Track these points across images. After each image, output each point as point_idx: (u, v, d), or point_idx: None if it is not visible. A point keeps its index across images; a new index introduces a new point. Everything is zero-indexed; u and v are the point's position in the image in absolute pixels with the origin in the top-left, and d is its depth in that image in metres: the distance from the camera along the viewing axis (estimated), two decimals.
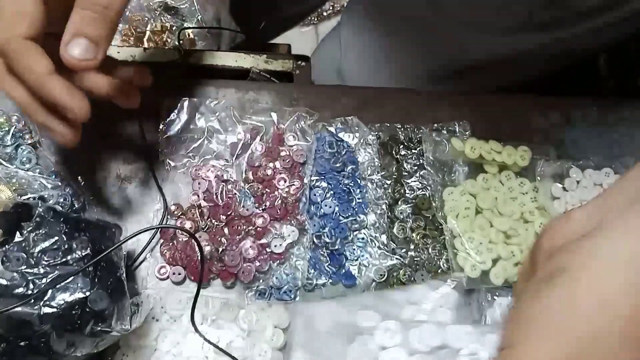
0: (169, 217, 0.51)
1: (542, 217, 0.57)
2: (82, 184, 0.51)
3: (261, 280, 0.51)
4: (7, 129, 0.51)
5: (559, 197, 0.59)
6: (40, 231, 0.41)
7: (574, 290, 0.30)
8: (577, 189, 0.59)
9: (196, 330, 0.45)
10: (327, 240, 0.53)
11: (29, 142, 0.51)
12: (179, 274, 0.50)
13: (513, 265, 0.53)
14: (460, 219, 0.54)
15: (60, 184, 0.49)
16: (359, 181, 0.55)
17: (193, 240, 0.49)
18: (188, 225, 0.51)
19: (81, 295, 0.39)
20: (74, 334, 0.40)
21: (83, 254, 0.41)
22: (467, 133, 0.59)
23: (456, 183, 0.57)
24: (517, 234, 0.55)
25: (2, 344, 0.41)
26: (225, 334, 0.48)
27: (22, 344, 0.40)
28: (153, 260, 0.51)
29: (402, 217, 0.55)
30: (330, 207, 0.54)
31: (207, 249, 0.50)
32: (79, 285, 0.40)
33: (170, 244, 0.51)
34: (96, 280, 0.40)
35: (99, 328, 0.40)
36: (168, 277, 0.50)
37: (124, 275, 0.43)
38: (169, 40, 0.82)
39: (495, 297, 0.53)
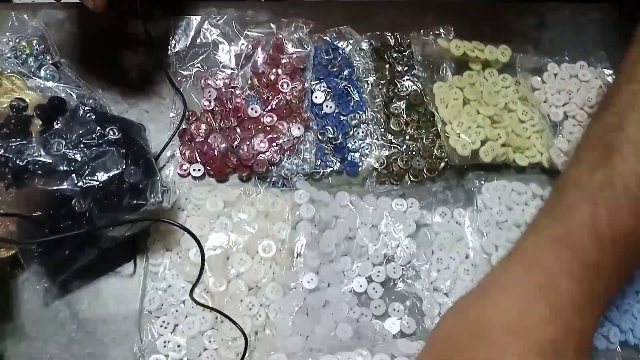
0: (186, 119, 0.56)
1: (525, 106, 0.62)
2: (103, 95, 0.56)
3: (273, 172, 0.56)
4: (28, 51, 0.56)
5: (538, 89, 0.64)
6: (75, 120, 0.46)
7: None
8: (555, 80, 0.65)
9: (196, 302, 0.49)
10: (330, 135, 0.58)
11: (51, 62, 0.56)
12: (199, 170, 0.55)
13: (500, 145, 0.58)
14: (450, 108, 0.59)
15: (84, 93, 0.53)
16: (356, 82, 0.60)
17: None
18: (203, 127, 0.56)
19: (117, 170, 0.44)
20: (113, 210, 0.45)
21: (115, 137, 0.46)
22: (451, 36, 0.63)
23: (444, 79, 0.62)
24: (502, 119, 0.60)
25: (47, 224, 0.46)
26: (246, 216, 0.53)
27: (66, 222, 0.45)
28: (174, 161, 0.55)
29: (397, 112, 0.60)
30: (330, 107, 0.59)
31: (222, 145, 0.55)
32: (114, 162, 0.44)
33: (189, 143, 0.56)
34: (129, 159, 0.45)
35: (135, 201, 0.45)
36: (189, 174, 0.55)
37: (153, 158, 0.48)
38: None
39: (482, 182, 0.59)
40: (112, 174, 0.44)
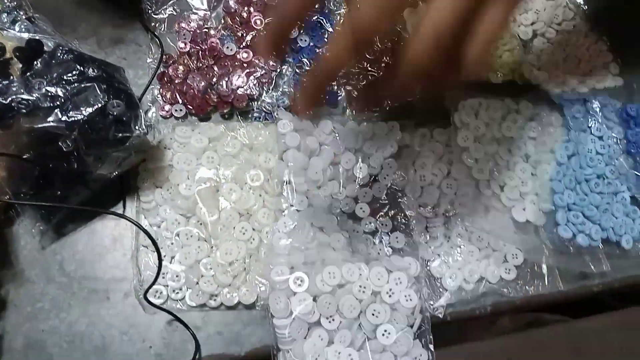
0: (163, 63, 0.57)
1: None
2: (79, 46, 0.56)
3: (254, 107, 0.57)
4: (0, 8, 0.56)
5: None
6: (55, 60, 0.46)
7: None
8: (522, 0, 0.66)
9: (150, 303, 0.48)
10: (307, 68, 0.59)
11: (25, 17, 0.56)
12: (180, 110, 0.56)
13: None
14: None
15: (61, 42, 0.53)
16: (328, 15, 0.61)
17: None
18: (181, 69, 0.57)
19: (100, 104, 0.45)
20: (99, 145, 0.46)
21: (95, 74, 0.46)
22: None
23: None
24: None
25: (37, 166, 0.47)
26: (231, 149, 0.54)
27: (55, 162, 0.46)
28: (156, 104, 0.56)
29: None
30: (305, 40, 0.60)
31: (201, 84, 0.56)
32: (96, 96, 0.45)
33: (168, 85, 0.56)
34: (110, 93, 0.46)
35: (120, 134, 0.46)
36: (172, 115, 0.56)
37: (133, 92, 0.48)
38: None
39: (459, 101, 0.60)
40: (95, 107, 0.45)
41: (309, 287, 0.47)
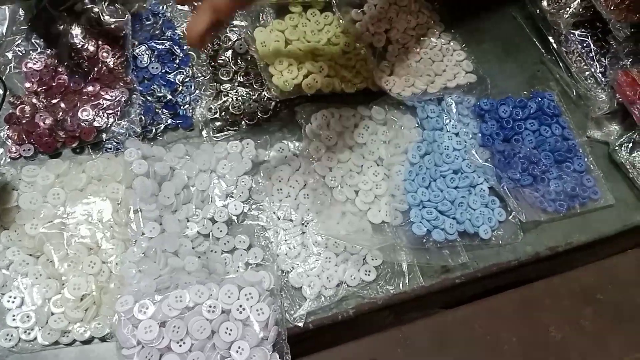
0: (9, 104, 0.57)
1: (347, 38, 0.65)
2: None
3: (104, 139, 0.57)
4: None
5: (360, 20, 0.67)
6: None
7: None
8: (375, 10, 0.68)
9: None
10: (159, 94, 0.60)
11: None
12: (29, 150, 0.56)
13: (323, 77, 0.62)
14: (271, 50, 0.62)
15: None
16: (178, 41, 0.62)
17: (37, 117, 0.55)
18: (28, 108, 0.57)
19: None
20: None
21: None
22: None
23: (266, 25, 0.64)
24: (324, 52, 0.63)
25: None
26: (77, 183, 0.54)
27: None
28: (6, 146, 0.56)
29: (224, 63, 0.62)
30: (156, 68, 0.61)
31: (47, 122, 0.56)
32: None
33: (15, 126, 0.56)
34: None
35: None
36: (20, 155, 0.56)
37: None
38: None
39: (310, 113, 0.61)
40: None
41: (154, 313, 0.47)
